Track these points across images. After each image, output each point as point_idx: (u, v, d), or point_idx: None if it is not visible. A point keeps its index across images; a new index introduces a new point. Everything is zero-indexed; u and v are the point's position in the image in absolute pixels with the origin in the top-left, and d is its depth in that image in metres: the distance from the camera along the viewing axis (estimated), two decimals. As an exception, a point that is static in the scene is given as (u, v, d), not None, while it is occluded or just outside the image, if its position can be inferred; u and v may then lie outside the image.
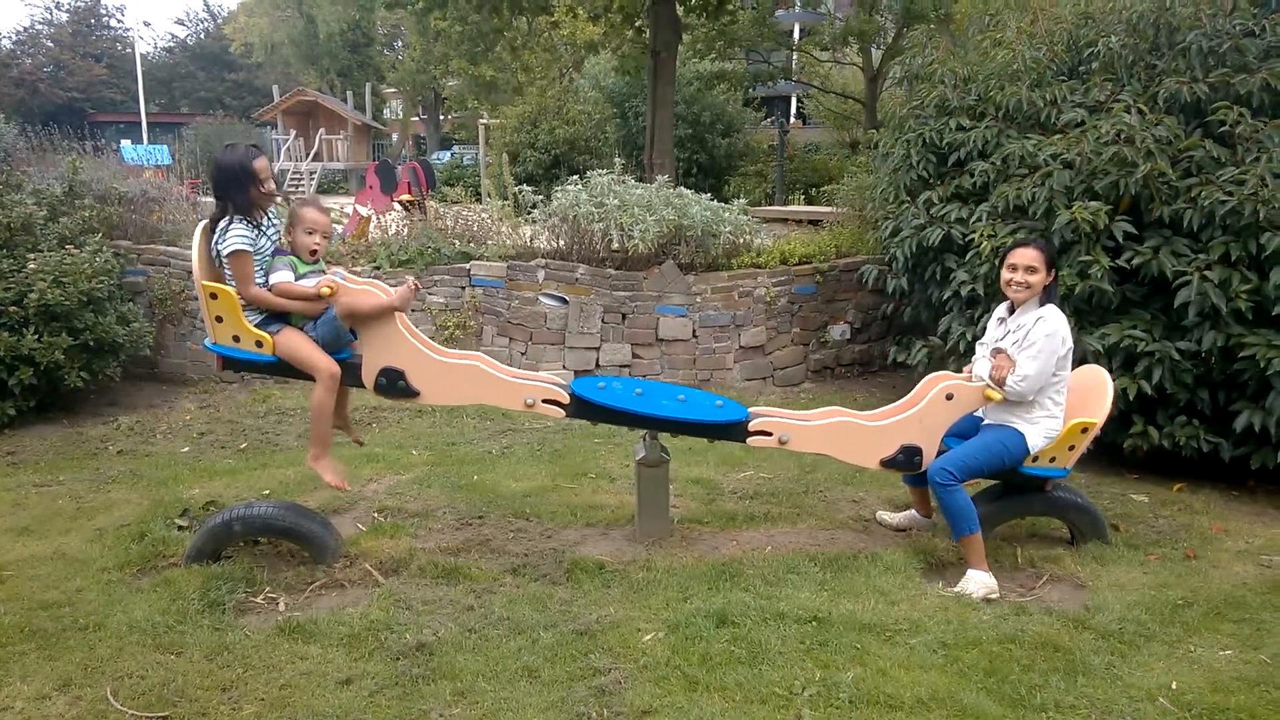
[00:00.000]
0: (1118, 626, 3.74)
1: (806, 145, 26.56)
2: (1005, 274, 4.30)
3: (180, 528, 4.66)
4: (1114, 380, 5.37)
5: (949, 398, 4.32)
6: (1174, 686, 3.32)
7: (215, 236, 3.95)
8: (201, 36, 56.79)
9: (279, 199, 4.09)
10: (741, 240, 8.58)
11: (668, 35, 14.81)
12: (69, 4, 50.65)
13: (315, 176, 30.57)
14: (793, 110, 36.93)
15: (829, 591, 4.04)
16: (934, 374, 4.62)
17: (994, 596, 4.09)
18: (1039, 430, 4.24)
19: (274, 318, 4.07)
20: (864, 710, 3.14)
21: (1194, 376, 5.38)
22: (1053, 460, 4.33)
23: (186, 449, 6.38)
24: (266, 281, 4.02)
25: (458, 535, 4.72)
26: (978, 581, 4.13)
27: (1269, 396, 5.12)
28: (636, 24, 16.70)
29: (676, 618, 3.75)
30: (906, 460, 4.38)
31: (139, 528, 4.64)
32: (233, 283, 3.97)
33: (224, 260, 3.94)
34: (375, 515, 4.96)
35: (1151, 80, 6.00)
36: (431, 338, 8.05)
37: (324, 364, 4.03)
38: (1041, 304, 4.24)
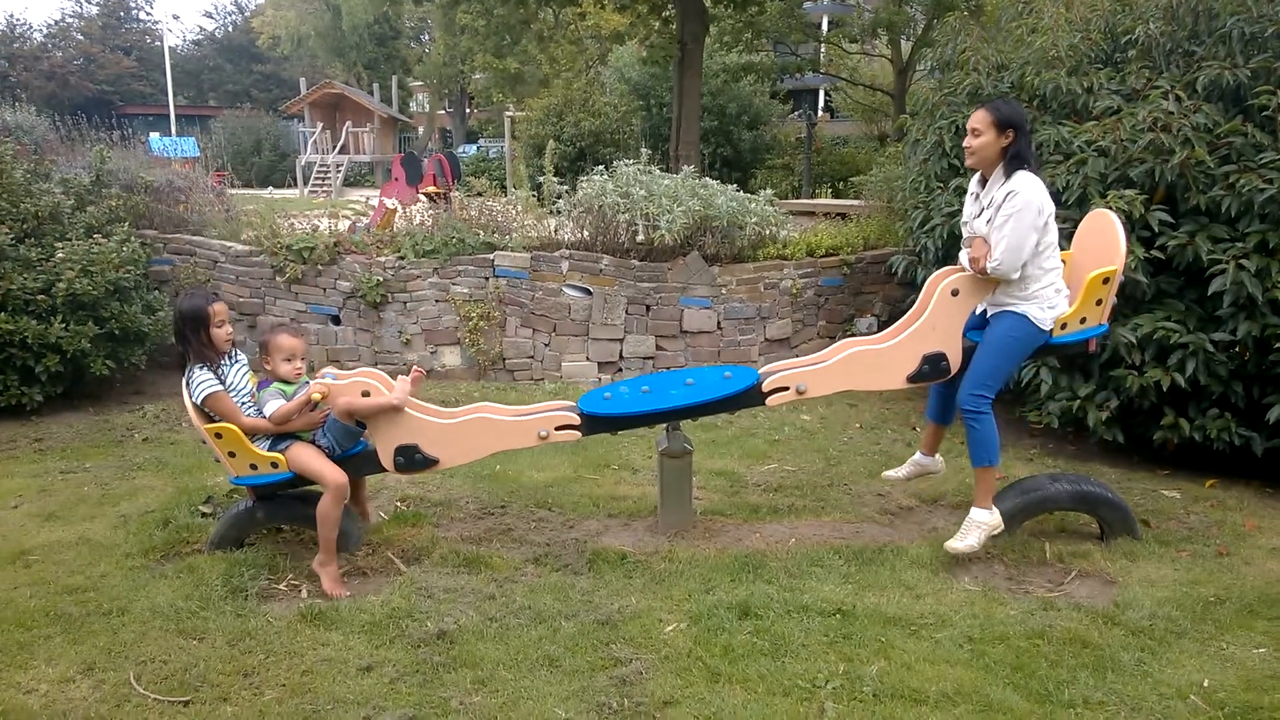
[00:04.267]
0: (1148, 623, 3.67)
1: (834, 138, 26.40)
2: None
3: (204, 515, 4.68)
4: (1146, 372, 5.33)
5: (954, 294, 4.19)
6: (1205, 684, 3.25)
7: (186, 390, 4.03)
8: (229, 29, 57.19)
9: (230, 342, 4.17)
10: (767, 232, 8.51)
11: (695, 26, 14.75)
12: (99, -2, 51.21)
13: (341, 169, 30.69)
14: (820, 103, 36.72)
15: (853, 585, 3.99)
16: (936, 273, 4.48)
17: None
18: (1040, 304, 4.09)
19: (283, 436, 4.10)
20: (888, 704, 3.09)
21: (1228, 369, 5.28)
22: (1083, 321, 4.21)
23: (211, 437, 6.40)
24: (261, 413, 4.05)
25: (480, 524, 4.72)
26: (972, 524, 4.09)
27: (1305, 390, 5.02)
28: (664, 15, 16.64)
29: (699, 609, 3.72)
30: (933, 369, 4.25)
31: (163, 514, 4.67)
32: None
33: (204, 407, 4.00)
34: (398, 504, 4.96)
35: (1190, 67, 5.89)
36: (455, 329, 8.10)
37: (331, 476, 4.03)
38: (1011, 171, 4.00)
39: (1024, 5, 7.61)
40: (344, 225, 9.35)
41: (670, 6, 15.93)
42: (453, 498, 5.10)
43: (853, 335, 8.57)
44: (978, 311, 4.33)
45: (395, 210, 10.53)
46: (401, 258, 8.23)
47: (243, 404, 4.07)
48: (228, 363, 4.12)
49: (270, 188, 28.11)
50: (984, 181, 4.20)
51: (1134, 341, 5.34)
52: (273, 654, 3.38)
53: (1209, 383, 5.30)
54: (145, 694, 3.12)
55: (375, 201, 12.86)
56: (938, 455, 4.87)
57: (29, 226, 6.95)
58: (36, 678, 3.22)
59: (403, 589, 3.88)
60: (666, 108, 19.56)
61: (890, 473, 4.97)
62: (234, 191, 12.69)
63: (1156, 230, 5.41)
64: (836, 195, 18.02)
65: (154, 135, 23.60)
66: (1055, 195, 5.82)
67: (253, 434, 4.03)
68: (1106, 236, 4.18)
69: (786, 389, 4.29)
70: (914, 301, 8.02)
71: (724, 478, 5.52)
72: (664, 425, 4.52)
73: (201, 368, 4.00)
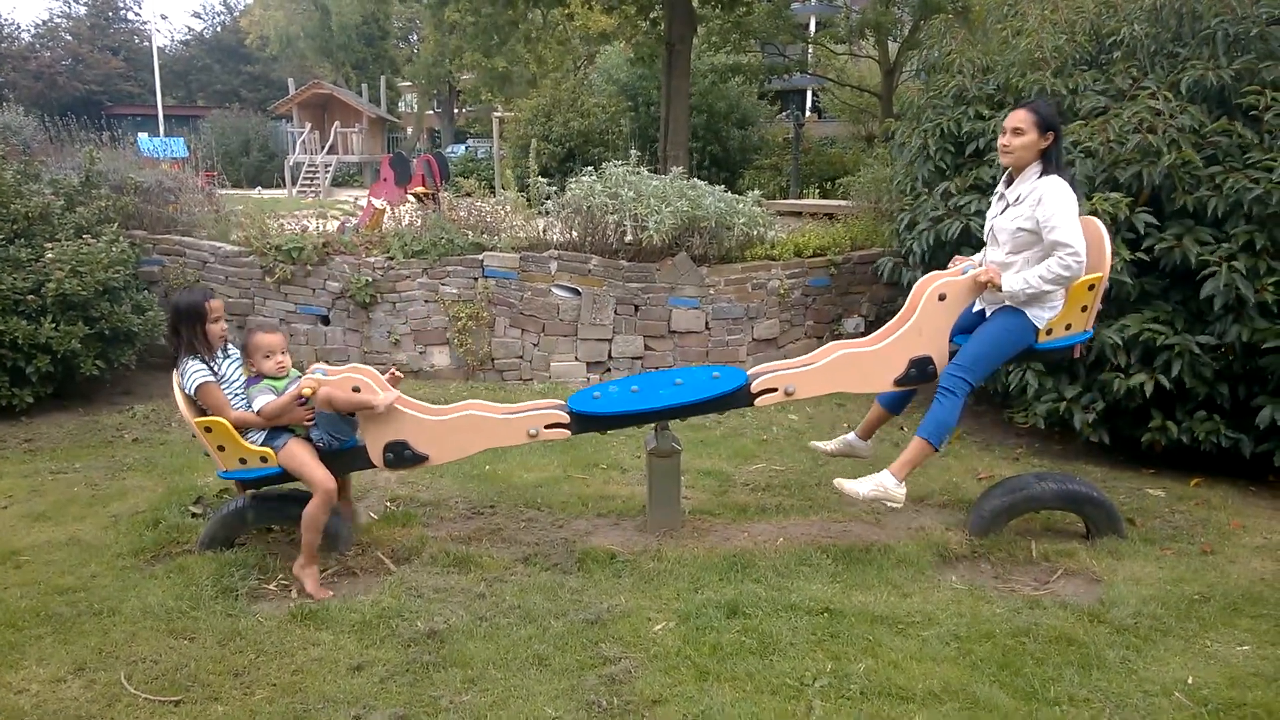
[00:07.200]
0: (1133, 621, 3.70)
1: (821, 139, 26.48)
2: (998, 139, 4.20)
3: (194, 515, 4.68)
4: (1132, 375, 5.36)
5: (941, 298, 4.21)
6: (1190, 681, 3.29)
7: (178, 380, 4.07)
8: (218, 29, 56.92)
9: (225, 336, 4.24)
10: (755, 232, 8.54)
11: (683, 27, 14.78)
12: (87, -2, 50.93)
13: (330, 169, 30.61)
14: (808, 104, 36.80)
15: (841, 583, 4.02)
16: (924, 277, 4.51)
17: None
18: (1041, 304, 4.13)
19: (277, 431, 4.14)
20: (875, 702, 3.12)
21: (1214, 371, 5.33)
22: (1069, 327, 4.24)
23: (201, 437, 6.40)
24: (251, 408, 4.10)
25: (469, 524, 4.73)
26: (878, 484, 4.10)
27: (1291, 391, 5.06)
28: (651, 16, 16.66)
29: (687, 608, 3.74)
30: (920, 373, 4.27)
31: (153, 514, 4.67)
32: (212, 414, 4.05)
33: (195, 397, 4.04)
34: (387, 504, 4.97)
35: (1174, 68, 5.93)
36: (444, 329, 8.11)
37: (321, 480, 4.05)
38: (1044, 172, 4.05)
39: (1009, 7, 7.66)
40: (333, 226, 9.36)
41: (658, 7, 15.95)
42: (442, 498, 5.11)
43: (840, 335, 8.62)
44: (974, 309, 4.36)
45: (384, 211, 10.53)
46: (390, 258, 8.23)
47: (235, 395, 4.11)
48: (221, 356, 4.16)
49: (259, 188, 28.05)
50: (1010, 181, 4.23)
51: (1120, 343, 5.38)
52: (263, 653, 3.39)
53: (1194, 385, 5.34)
54: (136, 694, 3.13)
55: (364, 202, 12.85)
56: (870, 441, 4.88)
57: (19, 227, 6.94)
58: (27, 678, 3.22)
59: (392, 588, 3.89)
60: (655, 108, 19.59)
61: (817, 444, 4.99)
62: (223, 192, 12.67)
63: (1143, 232, 5.45)
64: (824, 196, 18.07)
65: (143, 135, 23.51)
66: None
67: (242, 428, 4.04)
68: (1093, 244, 4.19)
69: (775, 390, 4.31)
70: (902, 302, 8.13)
71: (712, 477, 5.54)
72: (653, 425, 4.54)
73: (194, 358, 4.04)
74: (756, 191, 9.13)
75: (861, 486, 4.10)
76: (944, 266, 6.74)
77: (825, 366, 4.34)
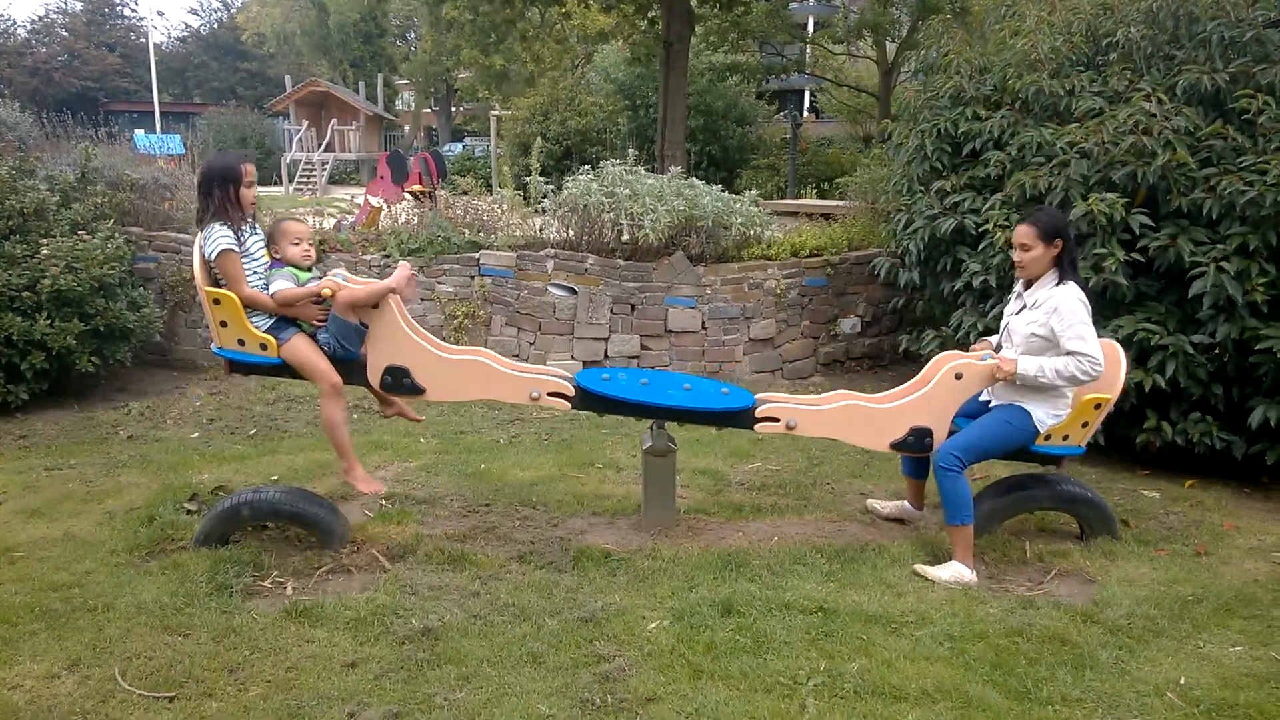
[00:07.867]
0: (1126, 621, 3.71)
1: (819, 139, 26.45)
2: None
3: (189, 512, 4.67)
4: (1127, 374, 5.37)
5: (958, 377, 4.26)
6: (1182, 682, 3.29)
7: (200, 243, 4.01)
8: (215, 26, 56.96)
9: (254, 204, 4.18)
10: (752, 232, 8.55)
11: (680, 26, 14.79)
12: (84, -7, 50.89)
13: (327, 167, 30.59)
14: (805, 104, 36.78)
15: (835, 583, 4.03)
16: (943, 354, 4.56)
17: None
18: (1046, 407, 4.18)
19: (285, 323, 4.11)
20: (869, 701, 3.12)
21: (1208, 371, 5.34)
22: (1066, 438, 4.28)
23: (196, 434, 6.40)
24: (267, 290, 4.07)
25: (464, 522, 4.73)
26: (955, 571, 4.12)
27: (1284, 391, 5.07)
28: (649, 15, 16.66)
29: (682, 606, 3.74)
30: (917, 442, 4.32)
31: (148, 511, 4.66)
32: (226, 285, 4.01)
33: (214, 263, 3.99)
34: (383, 502, 4.96)
35: (1170, 71, 5.94)
36: (441, 327, 8.11)
37: (326, 373, 4.06)
38: (1061, 279, 4.14)
39: (1007, 8, 7.67)
40: (329, 223, 9.36)
41: (656, 7, 15.96)
42: (437, 495, 5.11)
43: (837, 336, 8.64)
44: (980, 398, 4.40)
45: (380, 209, 10.54)
46: (387, 256, 8.23)
47: (253, 274, 4.06)
48: (248, 229, 4.09)
49: (255, 185, 27.91)
50: (1029, 283, 4.29)
51: (1115, 342, 5.38)
52: (258, 650, 3.39)
53: (1188, 385, 5.35)
54: (130, 690, 3.12)
55: (360, 200, 12.85)
56: (924, 509, 4.92)
57: (14, 223, 6.91)
58: (21, 674, 3.21)
59: (387, 586, 3.89)
60: (652, 108, 19.59)
61: (875, 504, 5.04)
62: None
63: (1138, 233, 5.46)
64: (821, 196, 18.06)
65: (139, 132, 23.50)
66: (1038, 197, 5.90)
67: (251, 306, 4.01)
68: (1108, 366, 4.24)
69: (778, 420, 4.34)
70: (897, 302, 8.15)
71: (707, 476, 5.55)
72: (649, 423, 4.54)
73: (222, 224, 3.96)
74: (754, 191, 9.13)
75: (943, 573, 4.13)
76: (939, 265, 6.82)
77: (831, 411, 4.38)
